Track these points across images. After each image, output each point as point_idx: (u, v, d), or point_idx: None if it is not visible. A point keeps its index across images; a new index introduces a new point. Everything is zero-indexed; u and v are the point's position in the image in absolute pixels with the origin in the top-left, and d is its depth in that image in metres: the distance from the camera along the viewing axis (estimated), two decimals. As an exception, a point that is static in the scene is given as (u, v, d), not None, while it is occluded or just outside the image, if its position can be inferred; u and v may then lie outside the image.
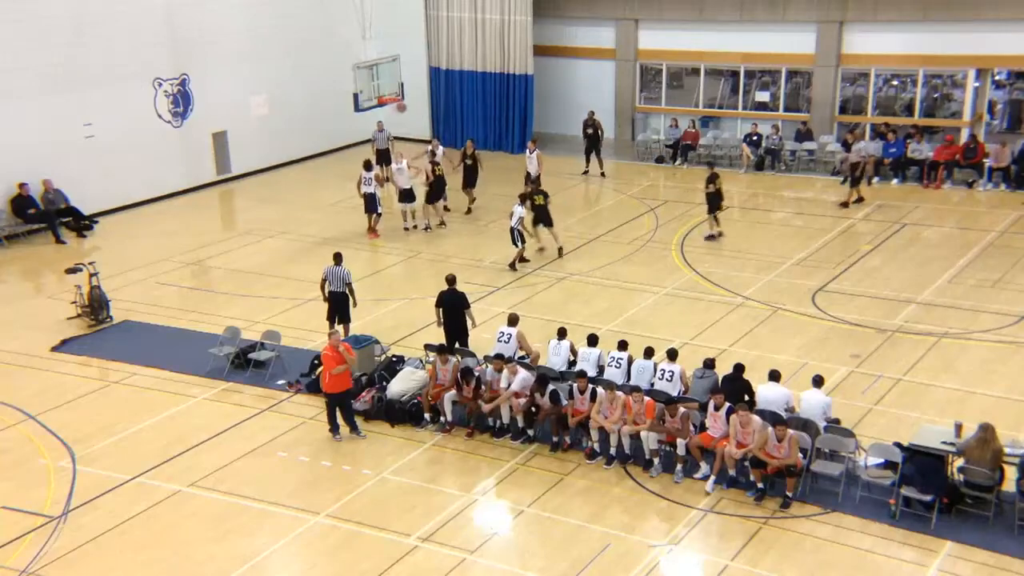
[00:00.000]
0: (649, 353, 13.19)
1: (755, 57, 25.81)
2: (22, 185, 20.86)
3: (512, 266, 18.60)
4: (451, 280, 14.98)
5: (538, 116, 27.50)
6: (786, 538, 10.80)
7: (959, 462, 11.13)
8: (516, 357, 13.73)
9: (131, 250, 20.36)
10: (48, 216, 21.08)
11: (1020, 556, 10.33)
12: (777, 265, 18.67)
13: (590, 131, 24.57)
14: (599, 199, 23.40)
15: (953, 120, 24.49)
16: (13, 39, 20.54)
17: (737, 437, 11.55)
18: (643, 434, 11.97)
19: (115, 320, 16.81)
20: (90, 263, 16.93)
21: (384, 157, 23.57)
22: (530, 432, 12.76)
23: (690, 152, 25.72)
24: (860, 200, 21.91)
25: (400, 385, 13.52)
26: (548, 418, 12.59)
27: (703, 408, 12.15)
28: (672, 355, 13.16)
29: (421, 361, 14.25)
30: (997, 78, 25.12)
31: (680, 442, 11.77)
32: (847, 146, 22.71)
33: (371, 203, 20.56)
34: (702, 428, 12.02)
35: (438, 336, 14.88)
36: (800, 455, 11.29)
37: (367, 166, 20.72)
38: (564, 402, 12.51)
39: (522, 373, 12.83)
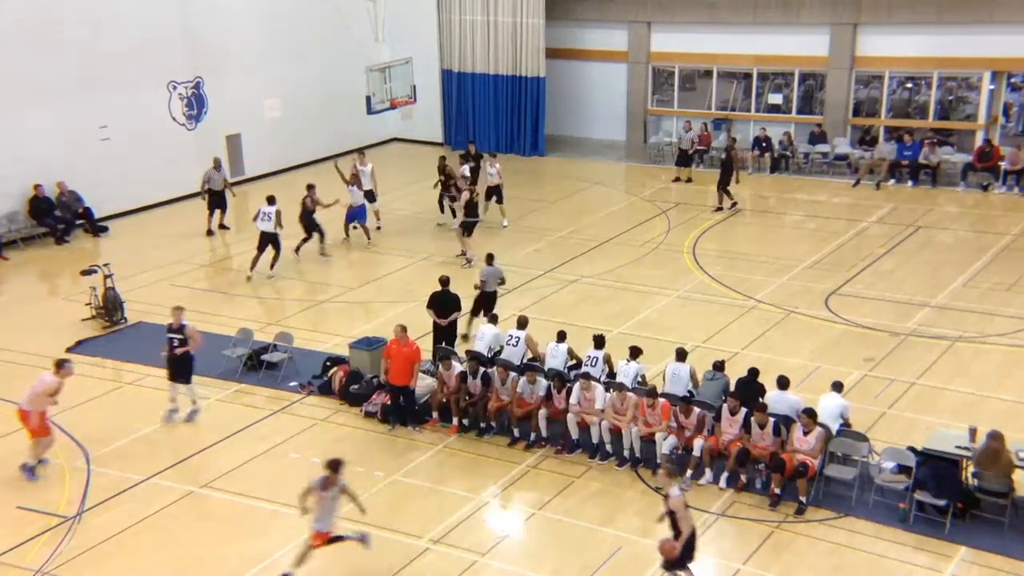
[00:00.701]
0: (635, 353, 13.14)
1: (768, 59, 25.74)
2: (37, 186, 21.02)
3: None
4: (444, 281, 15.09)
5: (550, 119, 27.51)
6: (799, 542, 10.76)
7: (973, 467, 11.06)
8: (525, 360, 13.75)
9: (145, 252, 20.47)
10: (61, 218, 21.22)
11: (1035, 562, 10.26)
12: (790, 268, 18.60)
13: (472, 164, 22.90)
14: (611, 202, 23.39)
15: (968, 123, 24.35)
16: (29, 42, 20.69)
17: (755, 440, 11.53)
18: (658, 437, 11.95)
19: (129, 321, 16.90)
20: (105, 265, 17.03)
21: (217, 200, 21.26)
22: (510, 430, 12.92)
23: (703, 155, 25.68)
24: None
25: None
26: (475, 405, 12.96)
27: (715, 412, 12.10)
28: (681, 356, 13.13)
29: (433, 364, 14.26)
30: (1012, 81, 24.97)
31: (698, 443, 11.74)
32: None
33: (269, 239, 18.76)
34: (711, 432, 12.00)
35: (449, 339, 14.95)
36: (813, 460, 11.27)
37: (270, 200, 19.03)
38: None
39: (542, 382, 12.87)
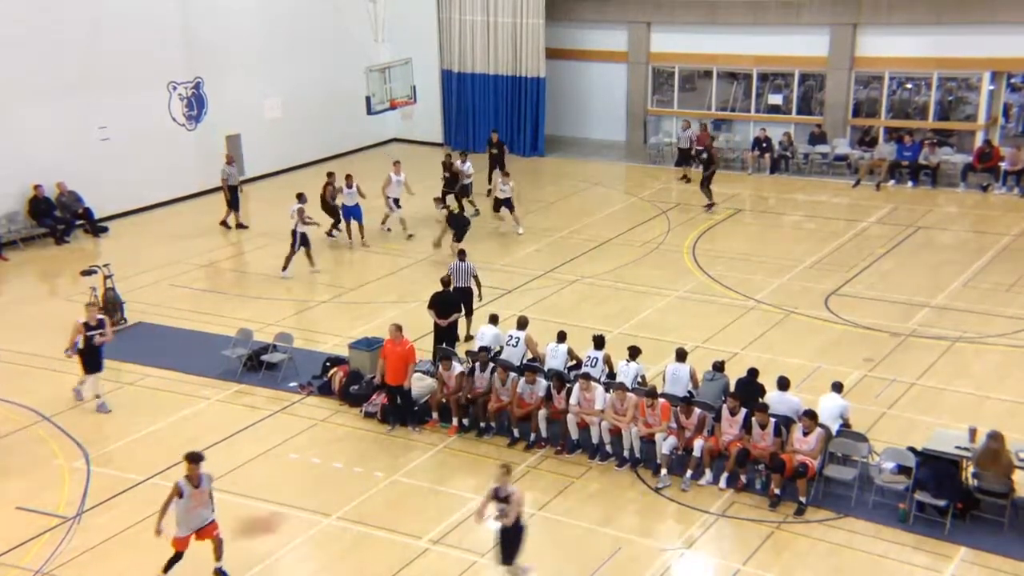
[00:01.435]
0: (634, 353, 13.15)
1: (768, 60, 25.75)
2: (37, 187, 21.02)
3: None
4: (445, 282, 15.19)
5: (550, 119, 27.51)
6: (799, 542, 10.76)
7: (973, 467, 11.06)
8: (525, 361, 13.75)
9: (145, 252, 20.47)
10: (65, 219, 21.23)
11: (1035, 562, 10.26)
12: (790, 268, 18.61)
13: (494, 151, 23.56)
14: (610, 202, 23.38)
15: (968, 123, 24.36)
16: (29, 42, 20.68)
17: (755, 440, 11.53)
18: (657, 438, 11.95)
19: (129, 322, 16.90)
20: (105, 265, 17.03)
21: (235, 197, 21.55)
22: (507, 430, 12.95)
23: (703, 155, 25.65)
24: None
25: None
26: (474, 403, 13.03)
27: (715, 412, 12.10)
28: (681, 356, 13.12)
29: (433, 364, 14.26)
30: (1012, 81, 24.97)
31: (698, 443, 11.75)
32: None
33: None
34: (710, 433, 11.99)
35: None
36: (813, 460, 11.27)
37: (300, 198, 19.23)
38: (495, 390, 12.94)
39: (542, 381, 12.86)
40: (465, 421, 13.21)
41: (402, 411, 13.24)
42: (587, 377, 12.49)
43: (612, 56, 27.43)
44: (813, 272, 18.43)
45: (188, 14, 23.52)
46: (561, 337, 13.80)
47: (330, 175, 20.34)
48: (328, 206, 20.51)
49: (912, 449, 11.38)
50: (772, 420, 11.57)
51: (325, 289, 18.34)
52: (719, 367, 12.88)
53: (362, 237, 20.61)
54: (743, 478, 11.66)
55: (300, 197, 19.13)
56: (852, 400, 13.08)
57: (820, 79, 25.44)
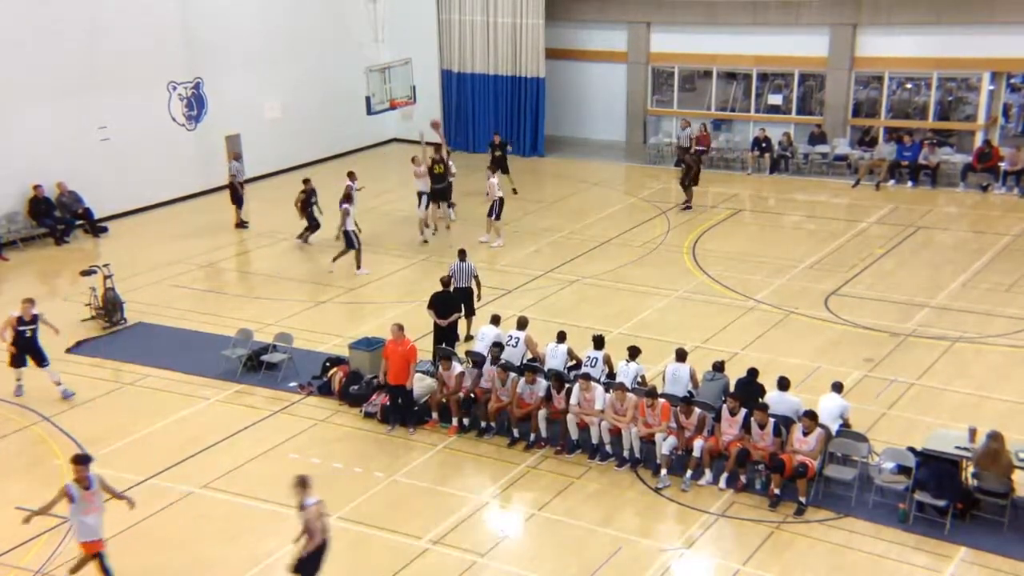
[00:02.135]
0: (634, 353, 13.17)
1: (768, 60, 25.75)
2: (37, 187, 21.02)
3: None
4: (445, 282, 15.20)
5: (550, 119, 27.52)
6: (799, 542, 10.76)
7: (973, 467, 11.06)
8: (525, 361, 13.74)
9: (145, 252, 20.47)
10: (65, 220, 21.23)
11: (1035, 562, 10.26)
12: (790, 268, 18.61)
13: (498, 153, 23.35)
14: (610, 202, 23.38)
15: (967, 123, 24.37)
16: (28, 42, 20.69)
17: (755, 440, 11.53)
18: (657, 438, 11.95)
19: (129, 322, 16.90)
20: (105, 265, 17.03)
21: (239, 193, 21.66)
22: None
23: (703, 155, 25.67)
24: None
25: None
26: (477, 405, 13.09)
27: (715, 412, 12.10)
28: (681, 356, 13.12)
29: (433, 365, 14.26)
30: (1012, 81, 24.98)
31: (698, 444, 11.75)
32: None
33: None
34: (710, 433, 11.99)
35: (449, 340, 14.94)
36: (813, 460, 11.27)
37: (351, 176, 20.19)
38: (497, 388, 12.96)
39: (541, 382, 12.87)
40: (465, 421, 13.21)
41: (402, 411, 13.23)
42: (587, 377, 12.49)
43: (612, 56, 27.43)
44: (813, 272, 18.44)
45: (188, 14, 23.52)
46: (561, 337, 13.80)
47: (306, 182, 20.15)
48: (305, 212, 20.29)
49: (912, 449, 11.38)
50: (771, 420, 11.57)
51: (325, 289, 18.34)
52: (719, 367, 12.88)
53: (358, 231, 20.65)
54: (743, 478, 11.66)
55: (348, 198, 19.15)
56: (852, 400, 13.07)
57: (820, 79, 25.44)
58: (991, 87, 23.89)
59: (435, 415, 13.37)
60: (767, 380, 12.72)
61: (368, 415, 13.58)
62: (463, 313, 15.48)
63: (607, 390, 12.46)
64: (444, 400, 13.26)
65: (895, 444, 11.74)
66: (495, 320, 14.49)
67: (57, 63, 21.14)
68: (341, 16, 26.80)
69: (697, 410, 11.99)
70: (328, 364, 14.63)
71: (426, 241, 20.48)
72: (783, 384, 12.28)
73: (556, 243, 20.52)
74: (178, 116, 23.80)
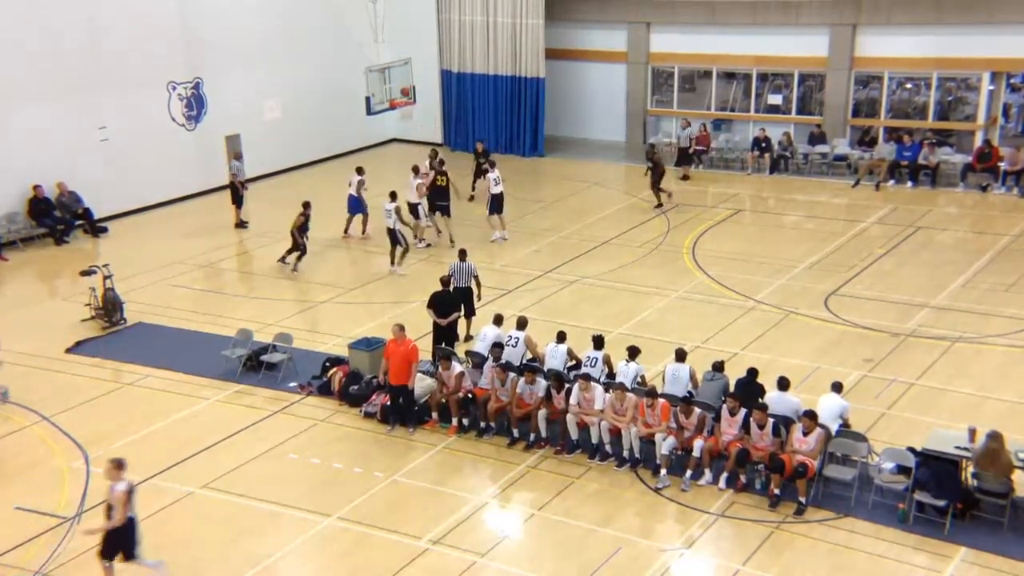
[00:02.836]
0: (633, 353, 13.17)
1: (767, 60, 25.75)
2: (36, 187, 21.02)
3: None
4: (444, 281, 15.23)
5: (549, 119, 27.52)
6: (798, 542, 10.76)
7: (973, 467, 11.06)
8: (525, 361, 13.74)
9: (145, 252, 20.47)
10: (64, 220, 21.24)
11: (1035, 562, 10.26)
12: (790, 269, 18.61)
13: (481, 161, 23.00)
14: (610, 202, 23.38)
15: (967, 123, 24.37)
16: (28, 42, 20.69)
17: (754, 440, 11.53)
18: (657, 438, 11.95)
19: (129, 322, 16.90)
20: (104, 265, 17.03)
21: (239, 193, 21.51)
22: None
23: (703, 155, 25.70)
24: None
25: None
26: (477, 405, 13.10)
27: (715, 412, 12.09)
28: (681, 356, 13.12)
29: (432, 364, 14.26)
30: (1012, 81, 24.98)
31: (697, 444, 11.75)
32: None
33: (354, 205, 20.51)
34: (710, 433, 11.99)
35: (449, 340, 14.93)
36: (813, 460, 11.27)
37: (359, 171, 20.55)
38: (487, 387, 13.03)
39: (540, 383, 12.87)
40: (465, 421, 13.21)
41: (402, 411, 13.23)
42: (587, 377, 12.49)
43: (612, 56, 27.43)
44: (813, 272, 18.44)
45: (187, 14, 23.51)
46: (561, 337, 13.80)
47: (306, 206, 19.14)
48: (300, 236, 19.07)
49: (912, 449, 11.38)
50: (771, 420, 11.57)
51: (324, 289, 18.33)
52: (719, 367, 12.87)
53: (363, 231, 20.74)
54: (743, 478, 11.66)
55: (393, 196, 19.14)
56: (852, 400, 13.07)
57: (820, 79, 25.44)
58: (991, 87, 23.89)
59: (435, 415, 13.37)
60: (767, 380, 12.71)
61: (368, 415, 13.58)
62: (463, 313, 15.48)
63: (607, 390, 12.45)
64: (444, 400, 13.26)
65: (895, 444, 11.74)
66: (498, 320, 14.44)
67: (57, 63, 21.14)
68: (341, 16, 26.81)
69: (697, 410, 11.99)
70: (328, 364, 14.63)
71: (429, 244, 20.42)
72: (783, 384, 12.28)
73: (556, 243, 20.52)
74: (178, 116, 23.80)
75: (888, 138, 24.46)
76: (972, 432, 11.34)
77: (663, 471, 11.86)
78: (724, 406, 11.89)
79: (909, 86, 25.25)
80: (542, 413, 12.63)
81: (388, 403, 13.33)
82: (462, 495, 11.78)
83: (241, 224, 21.95)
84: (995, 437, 10.81)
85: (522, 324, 14.13)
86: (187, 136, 24.04)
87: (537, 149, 27.35)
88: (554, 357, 13.61)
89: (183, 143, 23.93)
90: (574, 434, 12.51)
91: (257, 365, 14.91)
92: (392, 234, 18.85)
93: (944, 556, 10.44)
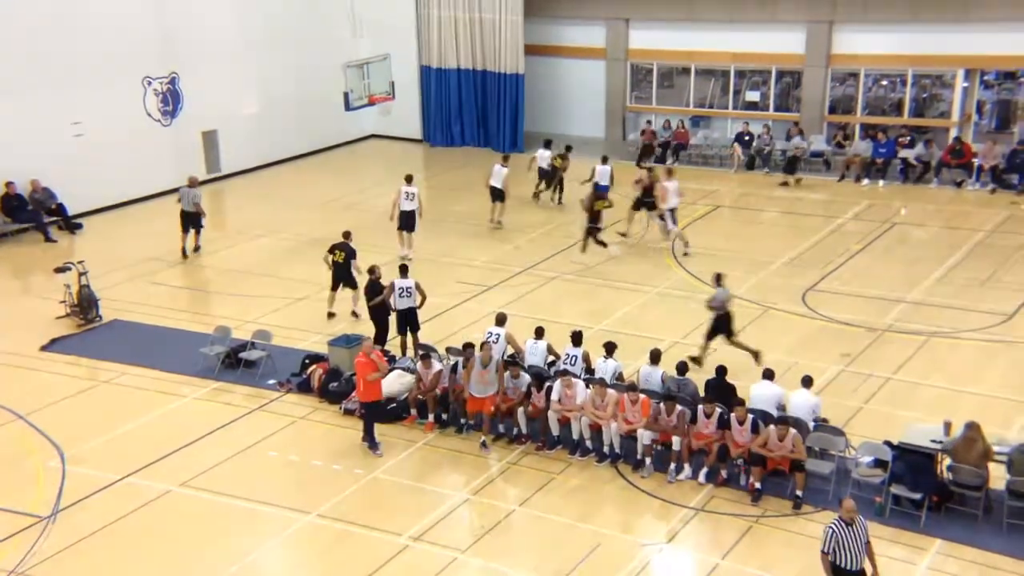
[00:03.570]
0: (610, 349, 13.19)
1: (745, 57, 25.88)
2: (9, 184, 20.74)
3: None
4: (371, 271, 15.06)
5: (528, 115, 27.52)
6: (777, 536, 10.83)
7: (948, 461, 11.19)
8: (505, 357, 13.73)
9: (121, 249, 20.26)
10: (36, 215, 20.99)
11: (1008, 553, 10.40)
12: (767, 264, 18.72)
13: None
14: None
15: (942, 120, 24.61)
16: (1, 37, 20.39)
17: (735, 436, 11.60)
18: (639, 432, 11.99)
19: (104, 319, 16.73)
20: (79, 262, 16.85)
21: (190, 220, 19.47)
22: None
23: (681, 151, 25.79)
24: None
25: (390, 387, 13.46)
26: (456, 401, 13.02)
27: (692, 414, 12.10)
28: (655, 358, 13.12)
29: (412, 361, 14.23)
30: (986, 79, 25.25)
31: (676, 439, 11.79)
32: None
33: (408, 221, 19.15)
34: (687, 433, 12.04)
35: (432, 335, 14.86)
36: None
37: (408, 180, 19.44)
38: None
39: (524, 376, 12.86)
40: (444, 416, 13.18)
41: (369, 428, 12.61)
42: (567, 374, 12.50)
43: (591, 52, 27.45)
44: (790, 268, 18.56)
45: (163, 7, 23.27)
46: (539, 333, 13.80)
47: (347, 236, 16.57)
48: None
49: (888, 443, 11.49)
50: (750, 417, 11.64)
51: (303, 286, 18.23)
52: (683, 370, 12.81)
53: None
54: (723, 473, 11.72)
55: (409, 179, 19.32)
56: (829, 395, 13.20)
57: (797, 76, 25.60)
58: (965, 84, 24.14)
59: (413, 411, 13.34)
60: (745, 376, 12.79)
61: (347, 412, 13.53)
62: (410, 329, 14.81)
63: (587, 386, 12.47)
64: (421, 397, 13.23)
65: (872, 438, 11.85)
66: (501, 320, 14.04)
67: (29, 58, 20.85)
68: (319, 11, 26.64)
69: (679, 407, 12.02)
70: (307, 361, 14.56)
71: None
72: (768, 374, 12.42)
73: (535, 239, 20.52)
74: (153, 111, 23.56)
75: (865, 135, 24.65)
76: (947, 426, 11.46)
77: (647, 460, 11.91)
78: (700, 408, 11.94)
79: (885, 83, 25.48)
80: (521, 410, 12.63)
81: (363, 422, 12.76)
82: (442, 491, 11.77)
83: (196, 249, 20.08)
84: (973, 427, 10.96)
85: (501, 320, 14.11)
86: (163, 132, 23.81)
87: (516, 145, 27.33)
88: (534, 354, 13.62)
89: (159, 139, 23.70)
90: (555, 430, 12.53)
91: (236, 362, 14.81)
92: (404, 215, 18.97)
93: (920, 548, 10.56)
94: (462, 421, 13.10)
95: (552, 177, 22.44)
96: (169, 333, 16.24)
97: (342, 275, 16.40)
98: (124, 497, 11.73)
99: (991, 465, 10.98)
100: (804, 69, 25.20)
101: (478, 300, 17.10)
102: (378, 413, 12.78)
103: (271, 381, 14.46)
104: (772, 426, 11.38)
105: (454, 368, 13.23)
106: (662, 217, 19.71)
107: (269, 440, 12.98)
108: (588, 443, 12.38)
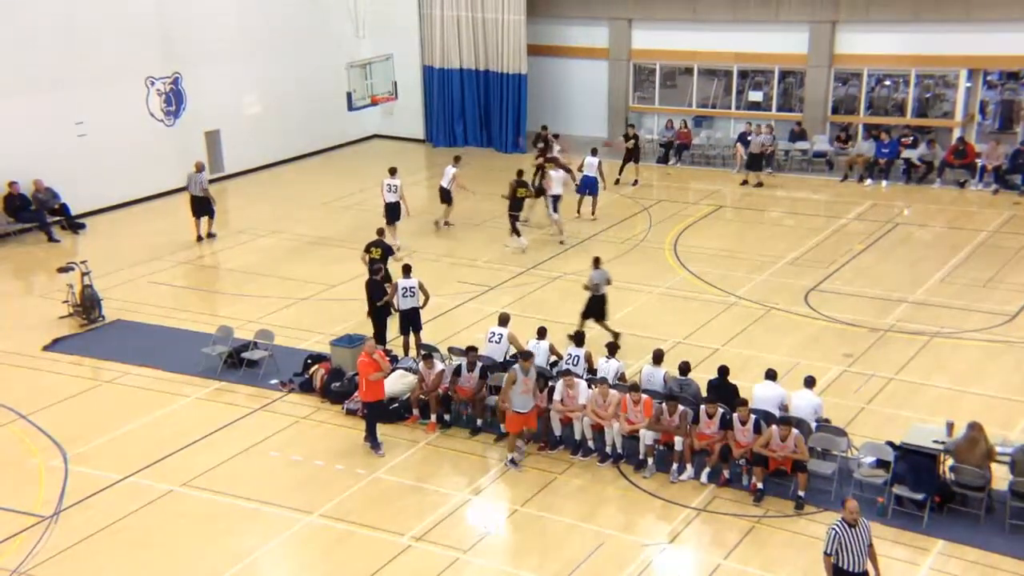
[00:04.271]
0: (612, 349, 13.21)
1: (748, 57, 25.86)
2: (12, 184, 20.78)
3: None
4: (373, 270, 15.08)
5: (531, 115, 27.51)
6: (779, 536, 10.83)
7: (950, 461, 11.17)
8: (508, 357, 13.74)
9: (123, 249, 20.29)
10: (40, 215, 21.03)
11: (1010, 554, 10.38)
12: (770, 265, 18.71)
13: (630, 144, 23.63)
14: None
15: (945, 120, 24.58)
16: (2, 37, 20.43)
17: (737, 436, 11.59)
18: (641, 432, 11.98)
19: (107, 319, 16.76)
20: (82, 262, 16.88)
21: (200, 206, 20.28)
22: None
23: (684, 152, 25.77)
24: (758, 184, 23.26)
25: (392, 387, 13.47)
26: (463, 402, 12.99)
27: (694, 414, 12.09)
28: (658, 358, 13.10)
29: (414, 361, 14.23)
30: (989, 79, 25.21)
31: (678, 439, 11.79)
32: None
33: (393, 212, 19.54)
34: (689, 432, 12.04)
35: (434, 335, 14.87)
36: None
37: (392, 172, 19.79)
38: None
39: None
40: (447, 417, 13.18)
41: (371, 428, 12.64)
42: (570, 373, 12.50)
43: (593, 53, 27.44)
44: (793, 268, 18.55)
45: (166, 8, 23.31)
46: (541, 333, 13.79)
47: (377, 271, 15.58)
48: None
49: (890, 443, 11.48)
50: (753, 417, 11.64)
51: (306, 286, 18.25)
52: (685, 370, 12.77)
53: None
54: (726, 473, 11.72)
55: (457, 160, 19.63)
56: (831, 395, 13.19)
57: (800, 76, 25.57)
58: (968, 84, 24.11)
59: (415, 411, 13.34)
60: (748, 376, 12.78)
61: (350, 412, 13.53)
62: (412, 330, 14.82)
63: (590, 386, 12.47)
64: (423, 396, 13.23)
65: (874, 438, 11.84)
66: (503, 320, 14.05)
67: (33, 58, 20.90)
68: (322, 11, 26.67)
69: (681, 407, 12.01)
70: (310, 361, 14.57)
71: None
72: (771, 374, 12.41)
73: (538, 239, 20.51)
74: (156, 112, 23.60)
75: (867, 135, 24.62)
76: (950, 426, 11.45)
77: (650, 460, 11.91)
78: (703, 409, 11.93)
79: (888, 83, 25.44)
80: None
81: (366, 422, 12.76)
82: (444, 491, 11.77)
83: (211, 235, 20.89)
84: (975, 427, 10.95)
85: (504, 320, 14.11)
86: (166, 132, 23.84)
87: (519, 145, 27.34)
88: (536, 354, 13.59)
89: (162, 139, 23.72)
90: (557, 430, 12.52)
91: (238, 362, 14.82)
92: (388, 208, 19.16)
93: (922, 549, 10.55)
94: (479, 422, 12.99)
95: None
96: (171, 333, 16.25)
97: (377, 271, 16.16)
98: (126, 497, 11.75)
99: (993, 466, 10.99)
100: (807, 69, 25.18)
101: (480, 300, 17.10)
102: (380, 413, 12.80)
103: (273, 381, 14.48)
104: (774, 426, 11.37)
105: (457, 371, 13.20)
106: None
107: (271, 440, 12.99)
108: (590, 443, 12.37)
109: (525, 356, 12.39)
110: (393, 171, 20.01)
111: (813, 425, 11.90)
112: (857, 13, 24.27)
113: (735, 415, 11.67)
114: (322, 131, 27.41)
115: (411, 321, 14.82)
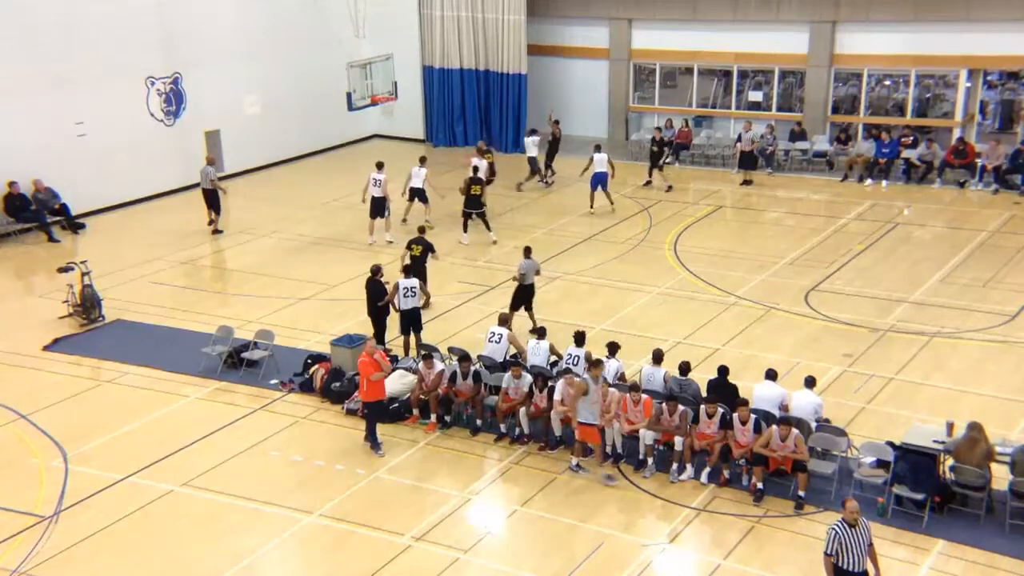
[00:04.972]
0: (613, 349, 13.17)
1: (748, 57, 25.86)
2: (12, 184, 20.78)
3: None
4: (374, 271, 15.09)
5: (531, 115, 27.50)
6: (779, 536, 10.83)
7: (951, 461, 11.18)
8: (508, 356, 13.74)
9: (124, 249, 20.29)
10: (40, 215, 21.03)
11: (1011, 554, 10.39)
12: (770, 265, 18.71)
13: (655, 148, 23.60)
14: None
15: (945, 120, 24.58)
16: (3, 37, 20.43)
17: (737, 436, 11.59)
18: (641, 432, 11.98)
19: (107, 319, 16.76)
20: (82, 262, 16.88)
21: (208, 199, 20.86)
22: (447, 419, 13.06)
23: (683, 151, 25.77)
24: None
25: (392, 387, 13.48)
26: (466, 402, 12.96)
27: (694, 414, 12.10)
28: (658, 358, 13.12)
29: (414, 361, 14.24)
30: (989, 78, 25.21)
31: (678, 439, 11.79)
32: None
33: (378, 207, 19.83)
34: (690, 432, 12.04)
35: (434, 335, 14.86)
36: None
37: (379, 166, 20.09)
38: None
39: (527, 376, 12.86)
40: (448, 418, 13.18)
41: (371, 427, 12.65)
42: (570, 372, 12.50)
43: (594, 52, 27.44)
44: (793, 268, 18.55)
45: (166, 8, 23.30)
46: (541, 334, 13.79)
47: (422, 227, 17.59)
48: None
49: (890, 443, 11.48)
50: (753, 417, 11.64)
51: (306, 286, 18.25)
52: (685, 370, 12.76)
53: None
54: (726, 473, 11.72)
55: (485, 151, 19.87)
56: (831, 395, 13.18)
57: (800, 76, 25.57)
58: (968, 84, 24.11)
59: (416, 411, 13.34)
60: (748, 376, 12.78)
61: (350, 412, 13.54)
62: (412, 330, 14.86)
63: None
64: (423, 396, 13.23)
65: (874, 438, 11.85)
66: (504, 321, 14.07)
67: (32, 58, 20.90)
68: (322, 11, 26.65)
69: (681, 407, 12.01)
70: (310, 361, 14.57)
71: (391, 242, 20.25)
72: (771, 374, 12.40)
73: (538, 239, 20.46)
74: (156, 112, 23.60)
75: (867, 135, 24.62)
76: (950, 426, 11.45)
77: (650, 460, 11.91)
78: (703, 408, 11.93)
79: (888, 83, 25.44)
80: (523, 410, 12.63)
81: (365, 422, 12.76)
82: (444, 491, 11.77)
83: (217, 231, 21.22)
84: (975, 427, 10.95)
85: (504, 321, 14.12)
86: (166, 132, 23.84)
87: (519, 145, 27.33)
88: (536, 354, 13.62)
89: (162, 139, 23.72)
90: (557, 430, 12.52)
91: (238, 362, 14.82)
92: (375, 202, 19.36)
93: (922, 549, 10.55)
94: (479, 422, 12.96)
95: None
96: (171, 333, 16.26)
97: (417, 269, 16.24)
98: (126, 497, 11.75)
99: (994, 466, 10.99)
100: (807, 69, 25.18)
101: (480, 300, 17.10)
102: (380, 413, 12.80)
103: (273, 381, 14.48)
104: (774, 426, 11.38)
105: (452, 377, 13.18)
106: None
107: (271, 440, 12.99)
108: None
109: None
110: (380, 165, 20.11)
111: (813, 425, 11.90)
112: (857, 13, 24.27)
113: (735, 415, 11.68)
114: (322, 131, 27.41)
115: (411, 321, 14.83)
